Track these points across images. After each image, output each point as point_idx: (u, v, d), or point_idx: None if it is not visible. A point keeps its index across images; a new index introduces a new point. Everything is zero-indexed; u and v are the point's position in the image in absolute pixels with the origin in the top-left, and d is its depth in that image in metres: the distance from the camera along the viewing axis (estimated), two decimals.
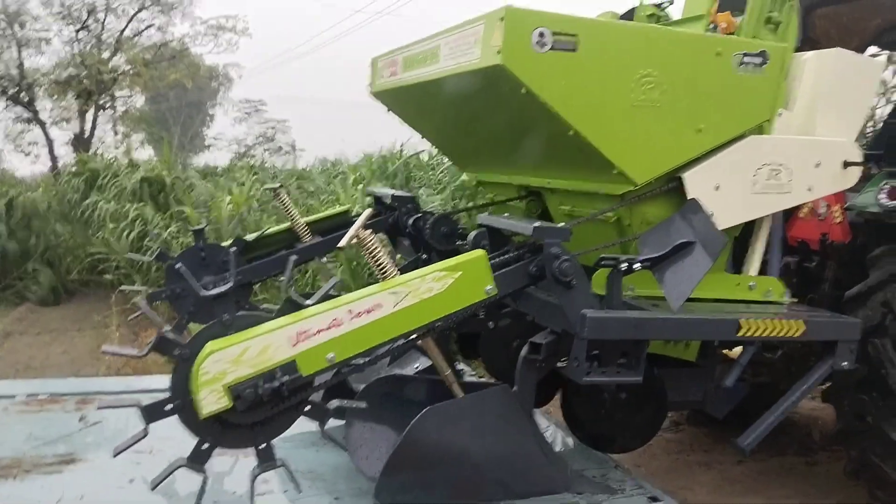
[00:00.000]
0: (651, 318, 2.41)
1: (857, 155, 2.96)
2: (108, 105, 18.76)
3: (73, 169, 12.61)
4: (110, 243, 9.59)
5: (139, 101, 24.98)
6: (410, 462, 2.24)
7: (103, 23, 17.22)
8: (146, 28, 18.51)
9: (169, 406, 2.04)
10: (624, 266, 2.47)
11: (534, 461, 2.47)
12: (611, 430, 2.94)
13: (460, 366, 4.06)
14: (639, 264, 2.50)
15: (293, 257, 2.59)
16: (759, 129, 2.88)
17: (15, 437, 2.94)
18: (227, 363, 1.99)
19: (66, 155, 16.58)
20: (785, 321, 2.61)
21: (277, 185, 3.90)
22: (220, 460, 2.43)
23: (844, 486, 3.77)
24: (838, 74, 2.98)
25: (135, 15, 17.77)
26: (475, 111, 2.86)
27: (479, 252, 2.29)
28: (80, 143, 17.35)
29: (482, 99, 2.66)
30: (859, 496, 3.58)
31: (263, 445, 2.18)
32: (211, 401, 1.99)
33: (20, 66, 16.32)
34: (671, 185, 2.71)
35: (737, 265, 3.14)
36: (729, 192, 2.74)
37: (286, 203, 3.55)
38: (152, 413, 2.03)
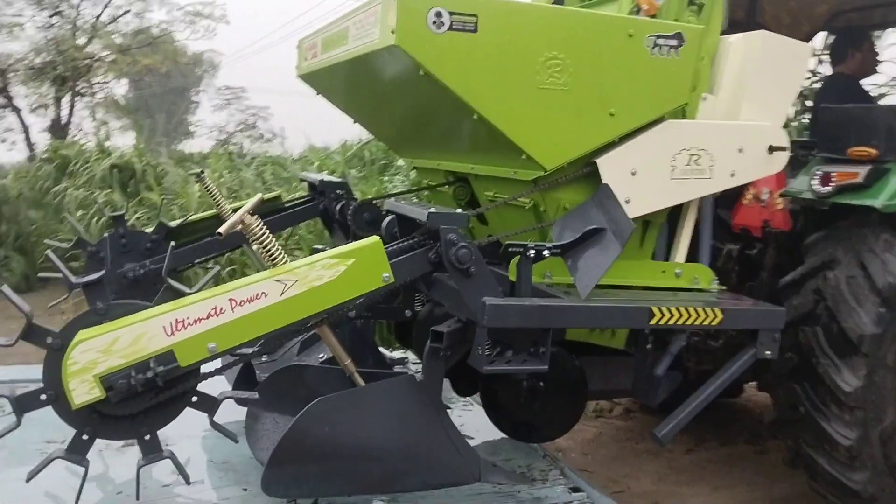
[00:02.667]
0: (555, 306, 2.35)
1: (782, 139, 2.90)
2: (86, 92, 18.54)
3: (45, 156, 12.44)
4: (78, 230, 9.48)
5: (121, 87, 24.79)
6: (300, 454, 2.18)
7: (78, 8, 16.98)
8: (123, 14, 18.26)
9: (43, 396, 1.98)
10: (532, 253, 2.41)
11: (440, 452, 2.41)
12: (528, 419, 2.89)
13: (399, 353, 4.02)
14: (548, 251, 2.45)
15: (172, 243, 2.52)
16: (682, 113, 2.83)
17: None
18: (98, 353, 1.93)
19: (43, 142, 16.36)
20: (702, 309, 2.56)
21: (200, 170, 3.82)
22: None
23: (791, 475, 3.74)
24: (765, 57, 2.91)
25: (111, 0, 17.53)
26: (386, 94, 2.80)
27: (374, 239, 2.23)
28: (57, 129, 17.16)
29: (388, 81, 2.59)
30: (804, 485, 3.56)
31: (148, 437, 2.13)
32: (82, 392, 1.93)
33: None
34: (586, 171, 2.65)
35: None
36: (646, 177, 2.68)
37: (210, 188, 3.47)
38: (24, 403, 1.97)
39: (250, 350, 2.16)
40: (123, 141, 17.28)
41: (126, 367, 1.95)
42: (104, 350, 1.94)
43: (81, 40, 17.28)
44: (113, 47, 17.51)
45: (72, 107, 17.80)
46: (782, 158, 2.92)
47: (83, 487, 2.09)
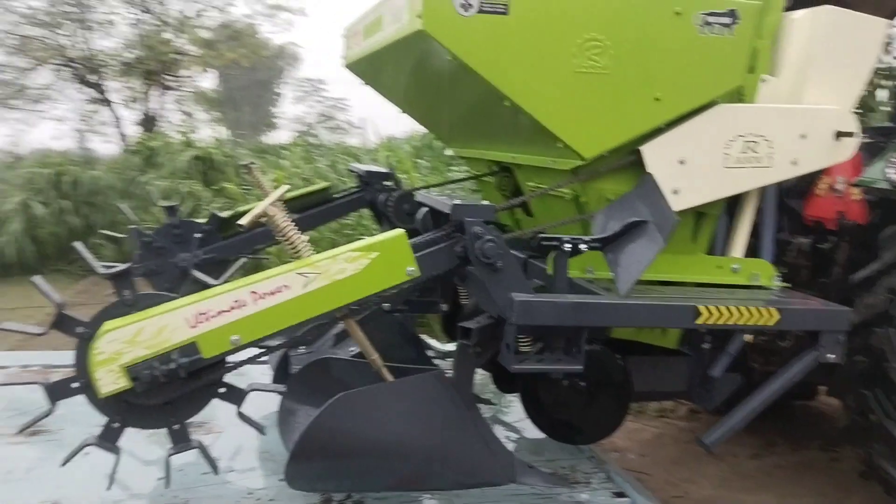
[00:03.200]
0: (589, 303, 2.23)
1: (850, 124, 2.67)
2: (174, 85, 19.26)
3: (133, 147, 13.03)
4: (133, 220, 9.88)
5: (209, 80, 25.68)
6: (322, 449, 2.16)
7: (165, 4, 17.62)
8: (208, 9, 18.83)
9: (74, 385, 2.03)
10: (567, 247, 2.31)
11: (471, 451, 2.35)
12: (569, 419, 2.79)
13: (452, 346, 3.96)
14: (585, 245, 2.33)
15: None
16: (738, 97, 2.64)
17: None
18: (123, 343, 1.96)
19: (134, 134, 17.14)
20: (755, 308, 2.39)
21: (248, 162, 3.86)
22: None
23: (866, 487, 3.48)
24: (832, 35, 2.69)
25: None
26: (421, 82, 2.73)
27: (398, 232, 2.18)
28: (147, 122, 17.92)
29: (420, 68, 2.53)
30: (880, 498, 3.30)
31: (177, 426, 2.16)
32: (108, 381, 1.97)
33: (88, 48, 16.94)
34: (630, 159, 2.51)
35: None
36: (696, 166, 2.52)
37: (258, 179, 3.50)
38: (57, 391, 2.03)
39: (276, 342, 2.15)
40: (211, 133, 17.92)
41: (150, 357, 1.98)
42: (129, 341, 1.97)
43: (168, 35, 17.95)
44: (198, 41, 18.10)
45: (161, 100, 18.53)
46: (850, 145, 2.68)
47: (115, 474, 2.13)
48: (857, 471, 3.21)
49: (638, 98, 2.41)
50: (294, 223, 3.32)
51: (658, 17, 2.37)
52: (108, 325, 1.98)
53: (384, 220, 3.56)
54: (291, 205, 3.61)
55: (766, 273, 2.78)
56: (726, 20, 2.44)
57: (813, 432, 4.39)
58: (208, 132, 14.98)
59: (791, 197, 3.62)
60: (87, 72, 17.20)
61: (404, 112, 3.51)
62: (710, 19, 2.42)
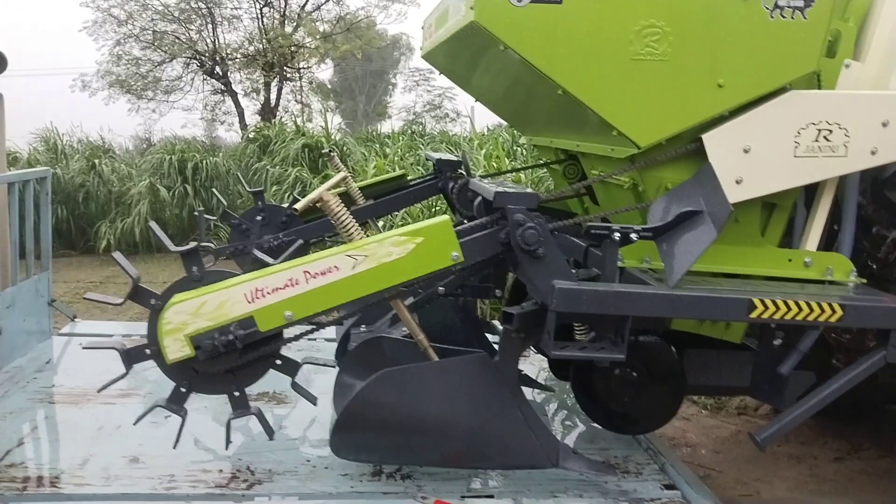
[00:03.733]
0: (632, 293, 2.21)
1: None
2: (293, 76, 20.14)
3: (251, 135, 13.75)
4: (222, 203, 10.44)
5: (327, 72, 26.68)
6: (364, 421, 2.27)
7: None
8: (326, 2, 19.55)
9: (147, 351, 2.23)
10: (617, 235, 2.30)
11: (514, 434, 2.39)
12: (619, 409, 2.77)
13: None
14: (636, 234, 2.31)
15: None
16: (816, 82, 2.52)
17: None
18: (188, 315, 2.14)
19: (254, 123, 18.07)
20: (816, 303, 2.28)
21: (328, 150, 4.04)
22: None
23: None
24: None
25: None
26: (485, 71, 2.77)
27: (444, 218, 2.25)
28: (267, 112, 18.86)
29: (480, 59, 2.57)
30: None
31: (237, 393, 2.33)
32: (174, 349, 2.16)
33: (214, 42, 18.02)
34: (692, 147, 2.45)
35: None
36: (762, 155, 2.43)
37: (340, 168, 3.67)
38: (132, 356, 2.24)
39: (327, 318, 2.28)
40: (330, 122, 18.63)
41: (211, 329, 2.15)
42: (193, 313, 2.15)
43: (288, 28, 18.79)
44: (315, 34, 18.87)
45: (280, 90, 19.44)
46: None
47: (181, 433, 2.34)
48: None
49: (698, 85, 2.35)
50: (365, 209, 3.51)
51: (724, 1, 2.30)
52: (176, 297, 2.16)
53: (455, 207, 3.64)
54: (369, 191, 3.76)
55: (841, 268, 2.64)
56: (799, 3, 2.33)
57: None
58: (320, 122, 15.55)
59: (891, 189, 3.40)
60: (213, 64, 18.32)
61: (478, 101, 3.56)
62: (782, 2, 2.32)
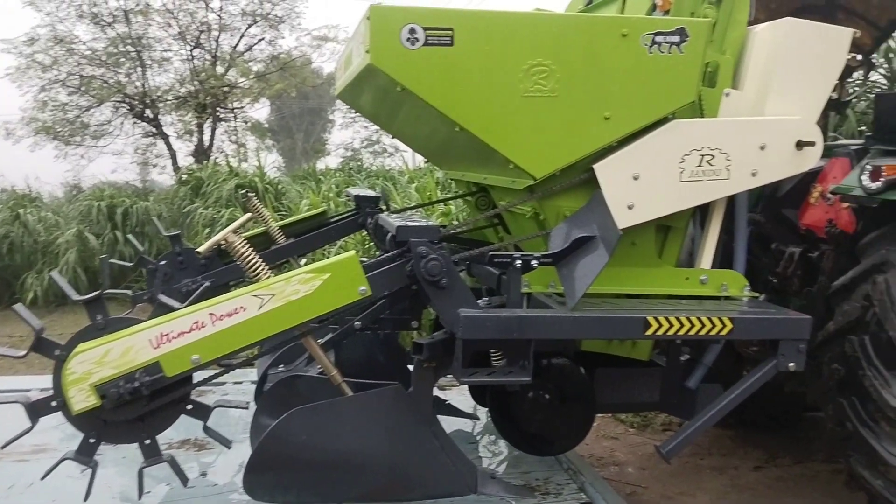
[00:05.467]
0: (534, 317, 2.31)
1: (813, 134, 2.68)
2: (226, 117, 20.00)
3: (183, 178, 13.56)
4: (138, 250, 10.28)
5: (262, 111, 26.54)
6: (277, 461, 2.28)
7: (217, 39, 18.39)
8: (257, 42, 19.56)
9: (53, 403, 2.21)
10: (518, 263, 2.40)
11: (432, 463, 2.43)
12: (533, 431, 2.84)
13: None
14: (535, 261, 2.42)
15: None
16: (699, 111, 2.69)
17: None
18: (92, 364, 2.13)
19: (188, 165, 17.82)
20: (707, 318, 2.42)
21: (245, 191, 4.06)
22: None
23: (864, 498, 3.40)
24: (794, 47, 2.71)
25: (245, 30, 18.85)
26: (391, 110, 2.86)
27: (350, 254, 2.30)
28: (200, 153, 18.63)
29: (384, 98, 2.66)
30: None
31: (148, 441, 2.32)
32: (80, 399, 2.14)
33: (144, 84, 17.78)
34: (584, 177, 2.58)
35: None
36: (650, 181, 2.57)
37: (258, 208, 3.69)
38: (37, 410, 2.21)
39: (235, 362, 2.29)
40: (266, 160, 18.46)
41: (116, 377, 2.14)
42: (97, 361, 2.14)
43: (220, 69, 18.69)
44: (248, 74, 18.80)
45: (213, 131, 19.26)
46: (814, 154, 2.69)
47: (92, 485, 2.30)
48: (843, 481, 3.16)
49: (587, 118, 2.48)
50: (286, 248, 3.53)
51: (605, 39, 2.45)
52: (80, 347, 2.15)
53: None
54: (290, 229, 3.79)
55: (736, 283, 2.79)
56: (675, 38, 2.50)
57: (819, 444, 4.30)
58: (255, 161, 15.45)
59: (787, 206, 3.62)
60: (143, 107, 18.06)
61: (395, 138, 3.65)
62: (658, 38, 2.48)
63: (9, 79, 17.36)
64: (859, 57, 4.65)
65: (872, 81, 7.93)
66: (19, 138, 17.99)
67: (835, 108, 4.79)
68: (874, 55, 5.67)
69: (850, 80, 5.39)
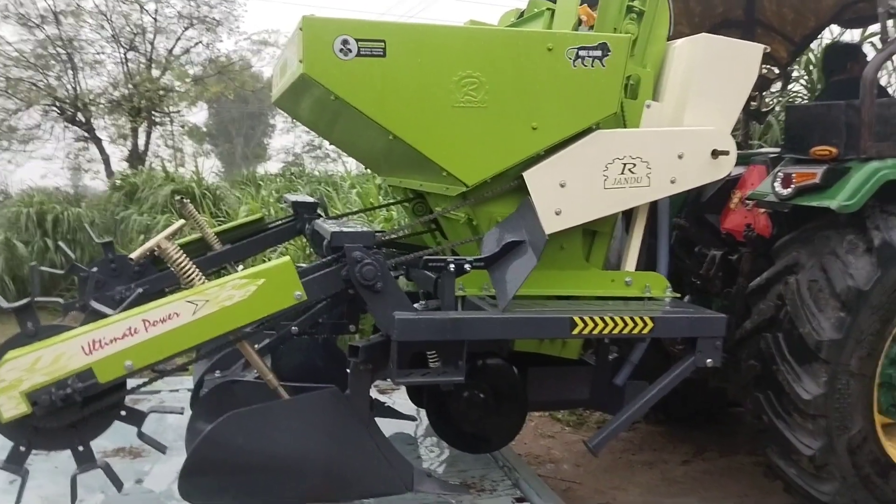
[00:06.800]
0: (467, 319, 2.40)
1: (727, 143, 2.85)
2: (162, 121, 19.59)
3: (116, 183, 13.24)
4: (70, 257, 10.06)
5: (200, 115, 26.04)
6: (213, 465, 2.31)
7: (153, 43, 18.02)
8: (194, 45, 19.22)
9: None
10: (452, 267, 2.48)
11: (369, 463, 2.49)
12: (468, 429, 2.93)
13: None
14: (468, 265, 2.50)
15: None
16: (622, 122, 2.83)
17: None
18: (22, 371, 2.12)
19: (122, 170, 17.37)
20: (629, 317, 2.55)
21: (180, 198, 4.04)
22: None
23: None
24: (709, 61, 2.87)
25: (182, 33, 18.51)
26: (327, 118, 2.92)
27: (285, 259, 2.35)
28: (135, 158, 18.18)
29: (315, 108, 2.71)
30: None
31: (81, 448, 2.31)
32: (9, 407, 2.13)
33: (76, 88, 17.27)
34: (514, 184, 2.69)
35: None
36: (576, 188, 2.69)
37: (193, 214, 3.69)
38: None
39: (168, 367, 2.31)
40: (204, 165, 18.13)
41: (48, 384, 2.13)
42: (28, 369, 2.13)
43: (156, 73, 18.30)
44: (185, 77, 18.47)
45: (148, 136, 18.83)
46: (728, 162, 2.86)
47: (22, 493, 2.28)
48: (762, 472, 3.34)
49: (515, 128, 2.59)
50: (222, 254, 3.54)
51: (531, 53, 2.56)
52: (9, 354, 2.14)
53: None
54: (226, 236, 3.78)
55: (658, 285, 2.94)
56: (597, 53, 2.63)
57: (742, 438, 4.52)
58: (192, 166, 15.20)
59: (710, 211, 3.80)
60: (75, 111, 17.53)
61: (332, 145, 3.69)
62: (582, 53, 2.61)
63: None
64: (776, 70, 4.95)
65: (794, 92, 8.37)
66: None
67: (755, 118, 5.08)
68: (792, 67, 6.01)
69: (769, 91, 5.72)
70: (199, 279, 2.32)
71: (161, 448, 2.38)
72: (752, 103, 4.83)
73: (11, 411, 2.13)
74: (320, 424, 2.42)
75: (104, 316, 2.24)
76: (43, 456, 2.30)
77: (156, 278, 3.53)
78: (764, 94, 5.08)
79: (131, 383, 2.34)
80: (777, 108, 6.37)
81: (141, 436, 2.35)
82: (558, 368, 3.08)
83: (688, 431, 4.63)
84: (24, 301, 2.21)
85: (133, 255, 2.27)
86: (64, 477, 2.80)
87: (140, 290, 2.72)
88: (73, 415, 2.21)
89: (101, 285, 3.50)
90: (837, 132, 2.99)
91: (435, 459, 3.25)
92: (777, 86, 5.75)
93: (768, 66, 4.79)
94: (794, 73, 7.94)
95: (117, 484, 2.35)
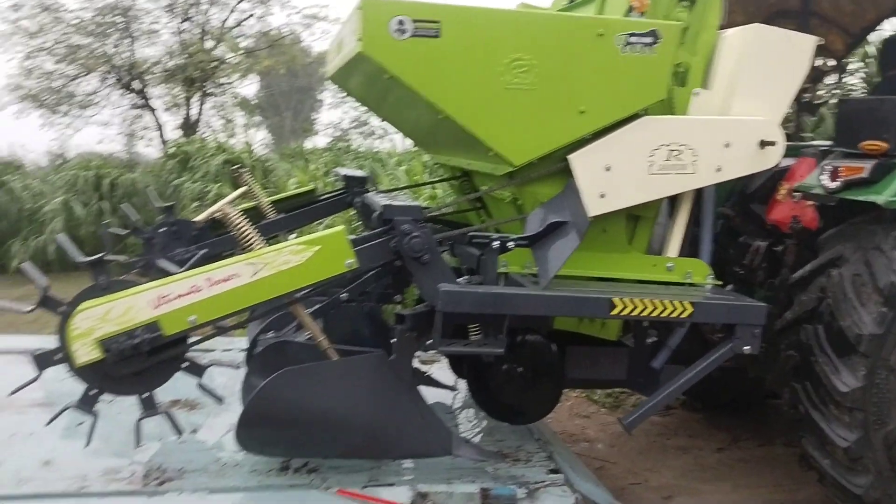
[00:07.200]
0: (509, 294, 2.50)
1: (775, 134, 2.88)
2: (214, 92, 19.97)
3: (170, 151, 13.61)
4: (133, 219, 10.37)
5: (251, 87, 26.48)
6: (266, 417, 2.46)
7: (206, 13, 18.34)
8: (247, 18, 19.50)
9: (57, 356, 2.36)
10: (496, 244, 2.57)
11: (410, 426, 2.62)
12: (506, 401, 3.04)
13: None
14: (512, 243, 2.60)
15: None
16: (669, 108, 2.87)
17: None
18: (96, 320, 2.29)
19: (175, 139, 17.82)
20: (669, 301, 2.61)
21: (237, 166, 4.19)
22: None
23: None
24: (760, 52, 2.90)
25: (236, 5, 18.78)
26: (380, 95, 3.02)
27: (339, 228, 2.48)
28: (187, 127, 18.63)
29: (370, 85, 2.82)
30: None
31: (145, 395, 2.48)
32: (83, 353, 2.30)
33: (132, 56, 17.72)
34: (560, 166, 2.76)
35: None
36: (621, 173, 2.75)
37: (249, 183, 3.84)
38: (42, 361, 2.36)
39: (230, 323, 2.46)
40: (244, 138, 18.47)
41: (118, 333, 2.30)
42: (100, 318, 2.29)
43: (209, 44, 18.65)
44: (237, 49, 18.80)
45: (201, 106, 19.24)
46: (775, 153, 2.89)
47: (93, 434, 2.47)
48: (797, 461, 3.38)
49: (563, 111, 2.66)
50: (275, 222, 3.69)
51: (581, 38, 2.62)
52: (84, 304, 2.31)
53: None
54: (280, 205, 3.94)
55: (699, 271, 3.00)
56: (647, 40, 2.68)
57: (780, 429, 4.54)
58: (243, 137, 15.54)
59: (757, 202, 3.82)
60: (131, 79, 18.00)
61: (384, 121, 3.81)
62: (632, 39, 2.66)
63: None
64: (831, 62, 4.89)
65: (851, 85, 8.20)
66: (4, 105, 17.89)
67: (807, 110, 5.03)
68: (848, 60, 5.90)
69: (823, 83, 5.64)
70: (259, 244, 2.46)
71: (218, 399, 2.54)
72: (805, 95, 4.80)
73: (85, 357, 2.31)
74: (366, 386, 2.56)
75: (170, 274, 2.40)
76: (105, 402, 2.47)
77: (212, 242, 3.72)
78: (817, 86, 5.03)
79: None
80: (831, 101, 6.28)
81: (201, 387, 2.51)
82: (596, 348, 3.17)
83: (725, 420, 4.67)
84: (98, 256, 2.38)
85: (198, 219, 2.42)
86: (124, 425, 3.01)
87: (205, 250, 2.87)
88: (140, 363, 2.38)
89: (162, 247, 3.70)
90: (888, 127, 2.99)
91: (472, 429, 3.36)
92: (831, 78, 5.68)
93: (823, 58, 4.74)
94: (852, 66, 7.78)
95: (178, 429, 2.52)
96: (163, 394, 2.54)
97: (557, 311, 2.68)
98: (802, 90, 4.72)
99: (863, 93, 7.11)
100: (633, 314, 2.59)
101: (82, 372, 2.37)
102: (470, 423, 3.43)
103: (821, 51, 4.63)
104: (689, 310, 2.63)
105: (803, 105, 4.76)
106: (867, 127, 3.09)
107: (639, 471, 4.03)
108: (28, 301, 2.31)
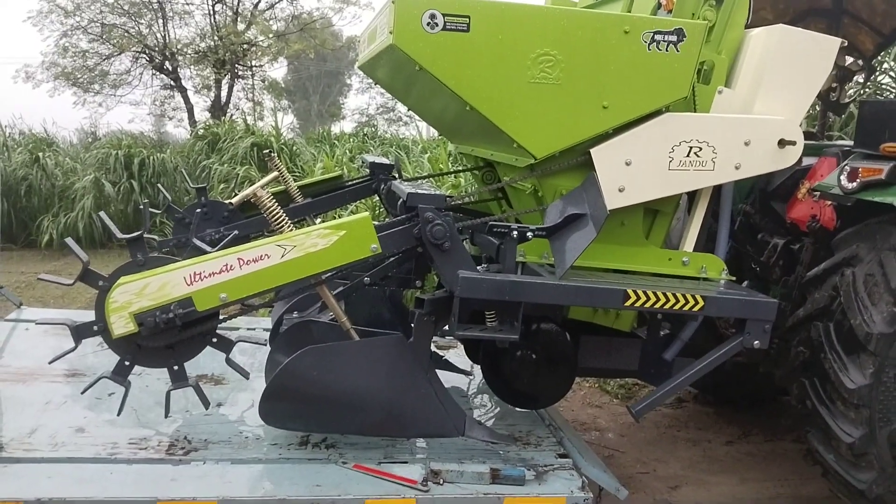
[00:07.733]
0: (525, 282, 2.58)
1: (795, 134, 2.91)
2: (244, 74, 20.17)
3: (199, 133, 13.80)
4: (167, 199, 10.56)
5: (280, 70, 26.67)
6: (289, 393, 2.58)
7: None
8: (279, 1, 19.66)
9: (95, 327, 2.49)
10: (515, 234, 2.66)
11: (425, 406, 2.72)
12: (519, 386, 3.12)
13: None
14: (531, 233, 2.68)
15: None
16: (692, 106, 2.92)
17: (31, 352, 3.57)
18: (133, 294, 2.42)
19: (204, 120, 18.05)
20: (681, 294, 2.68)
21: (269, 151, 4.30)
22: None
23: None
24: (784, 52, 2.93)
25: None
26: (409, 85, 3.10)
27: (364, 214, 2.57)
28: (217, 109, 18.85)
29: (401, 76, 2.90)
30: None
31: (176, 367, 2.61)
32: (120, 325, 2.43)
33: (165, 37, 17.96)
34: (581, 159, 2.83)
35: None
36: (641, 167, 2.81)
37: (279, 167, 3.95)
38: (80, 332, 2.49)
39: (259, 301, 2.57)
40: (283, 121, 18.67)
41: (153, 307, 2.43)
42: (137, 293, 2.42)
43: (241, 26, 18.83)
44: (268, 32, 18.97)
45: (230, 88, 19.45)
46: (794, 153, 2.93)
47: (125, 403, 2.60)
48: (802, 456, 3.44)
49: (586, 106, 2.72)
50: (303, 206, 3.80)
51: (608, 35, 2.68)
52: (122, 279, 2.43)
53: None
54: (307, 190, 4.05)
55: (714, 267, 3.05)
56: (673, 38, 2.73)
57: (790, 425, 4.58)
58: (271, 120, 15.70)
59: (777, 200, 3.85)
60: (163, 59, 18.24)
61: (410, 110, 3.89)
62: (658, 37, 2.71)
63: (30, 22, 17.57)
64: (861, 62, 4.87)
65: (883, 85, 8.11)
66: (39, 82, 18.23)
67: (833, 110, 5.02)
68: (878, 60, 5.86)
69: (852, 82, 5.61)
70: (288, 226, 2.56)
71: (245, 374, 2.66)
72: (833, 94, 4.79)
73: (121, 329, 2.43)
74: (385, 366, 2.66)
75: (204, 252, 2.51)
76: (134, 375, 2.59)
77: (242, 224, 3.84)
78: (846, 85, 5.01)
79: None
80: (859, 100, 6.24)
81: (229, 361, 2.63)
82: (610, 339, 3.24)
83: (735, 414, 4.73)
84: (137, 233, 2.50)
85: (233, 201, 2.53)
86: (153, 396, 3.15)
87: (236, 231, 2.99)
88: (172, 337, 2.50)
89: (195, 227, 3.83)
90: None
91: (486, 412, 3.46)
92: (860, 78, 5.65)
93: (852, 58, 4.73)
94: (885, 66, 7.69)
95: (205, 402, 2.65)
96: (190, 369, 2.66)
97: (572, 300, 2.76)
98: (829, 89, 4.74)
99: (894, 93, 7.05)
100: (645, 306, 2.67)
101: (117, 344, 2.50)
102: (484, 408, 3.52)
103: (850, 50, 4.63)
104: (701, 303, 2.70)
105: (830, 104, 4.75)
106: (888, 129, 3.11)
107: (647, 460, 4.11)
108: (65, 275, 2.44)
